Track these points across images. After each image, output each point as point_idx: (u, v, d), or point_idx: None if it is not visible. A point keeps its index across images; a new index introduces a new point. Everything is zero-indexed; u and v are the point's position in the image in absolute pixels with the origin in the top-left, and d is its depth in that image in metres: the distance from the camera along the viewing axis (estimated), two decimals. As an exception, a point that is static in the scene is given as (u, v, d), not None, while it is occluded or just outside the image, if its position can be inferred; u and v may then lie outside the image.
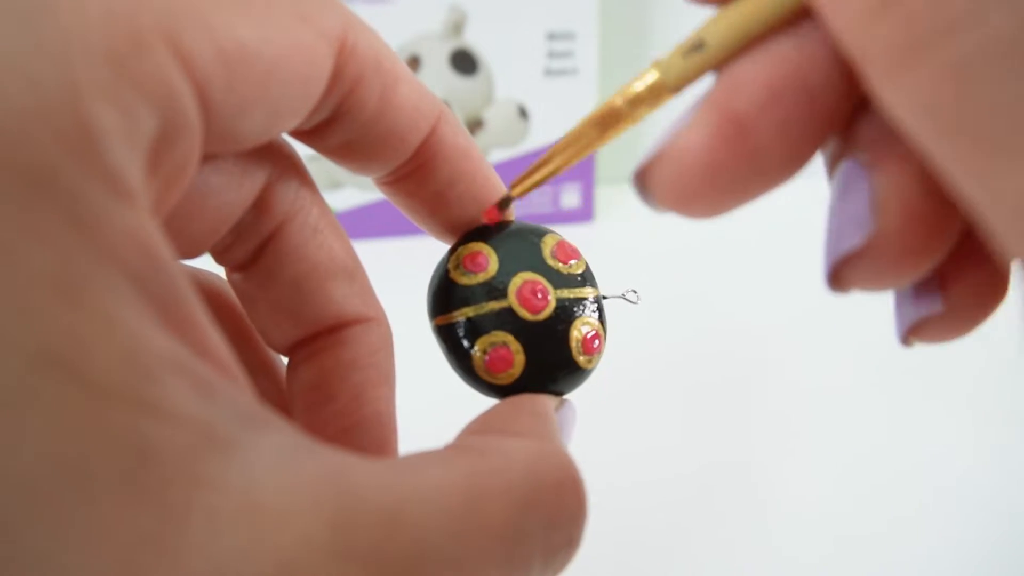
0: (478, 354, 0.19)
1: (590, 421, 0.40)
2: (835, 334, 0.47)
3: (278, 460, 0.11)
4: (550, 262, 0.20)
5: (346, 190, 0.58)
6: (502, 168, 0.60)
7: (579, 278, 0.20)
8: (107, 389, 0.10)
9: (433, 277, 0.20)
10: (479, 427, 0.16)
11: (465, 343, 0.19)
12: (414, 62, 0.56)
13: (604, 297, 0.20)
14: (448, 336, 0.19)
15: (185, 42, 0.12)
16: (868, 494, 0.36)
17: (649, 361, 0.46)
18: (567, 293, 0.19)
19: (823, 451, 0.39)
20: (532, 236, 0.20)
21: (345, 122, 0.17)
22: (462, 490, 0.12)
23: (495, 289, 0.19)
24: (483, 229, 0.20)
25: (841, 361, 0.45)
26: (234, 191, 0.17)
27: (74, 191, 0.10)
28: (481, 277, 0.19)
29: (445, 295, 0.19)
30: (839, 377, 0.43)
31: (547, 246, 0.20)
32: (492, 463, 0.13)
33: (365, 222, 0.59)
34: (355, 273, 0.19)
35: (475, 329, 0.19)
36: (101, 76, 0.11)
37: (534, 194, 0.61)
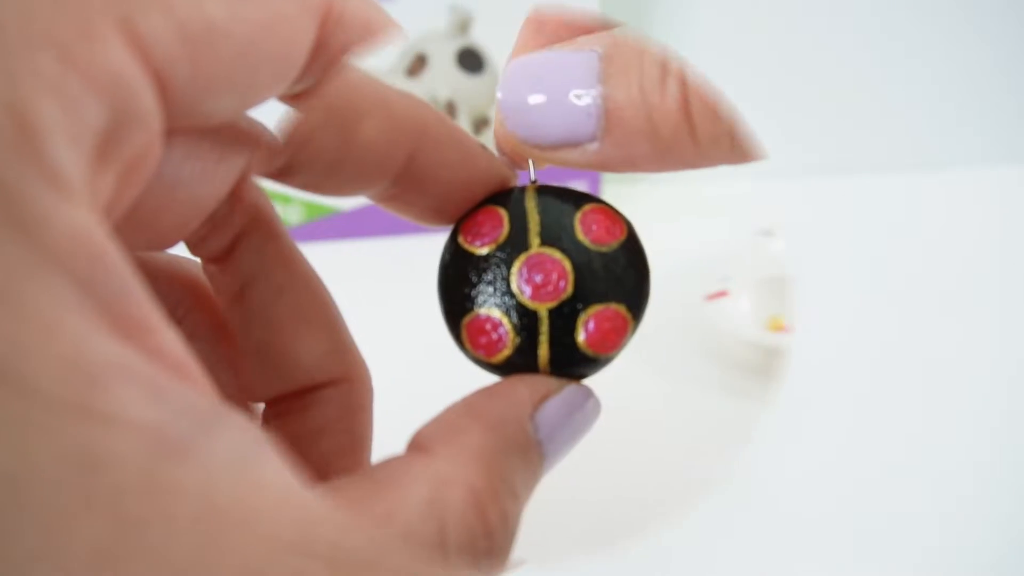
0: (464, 330, 0.17)
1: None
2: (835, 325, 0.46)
3: (236, 460, 0.10)
4: (579, 234, 0.17)
5: (353, 189, 0.58)
6: (509, 166, 0.60)
7: (609, 257, 0.17)
8: (50, 398, 0.09)
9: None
10: (416, 440, 0.15)
11: (452, 313, 0.17)
12: (420, 61, 0.56)
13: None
14: (444, 281, 0.18)
15: (141, 26, 0.11)
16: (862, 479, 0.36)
17: (649, 362, 0.46)
18: (587, 274, 0.17)
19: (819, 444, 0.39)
20: (564, 199, 0.18)
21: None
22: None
23: (501, 261, 0.17)
24: (507, 191, 0.18)
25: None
26: (207, 182, 0.16)
27: (11, 190, 0.10)
28: (486, 249, 0.17)
29: (450, 266, 0.18)
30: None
31: (579, 213, 0.18)
32: (386, 505, 0.13)
33: (370, 221, 0.59)
34: (329, 329, 0.18)
35: (466, 300, 0.17)
36: (43, 67, 0.10)
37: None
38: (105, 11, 0.11)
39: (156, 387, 0.10)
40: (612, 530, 0.35)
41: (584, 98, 0.17)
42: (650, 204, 0.66)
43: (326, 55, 0.15)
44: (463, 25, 0.56)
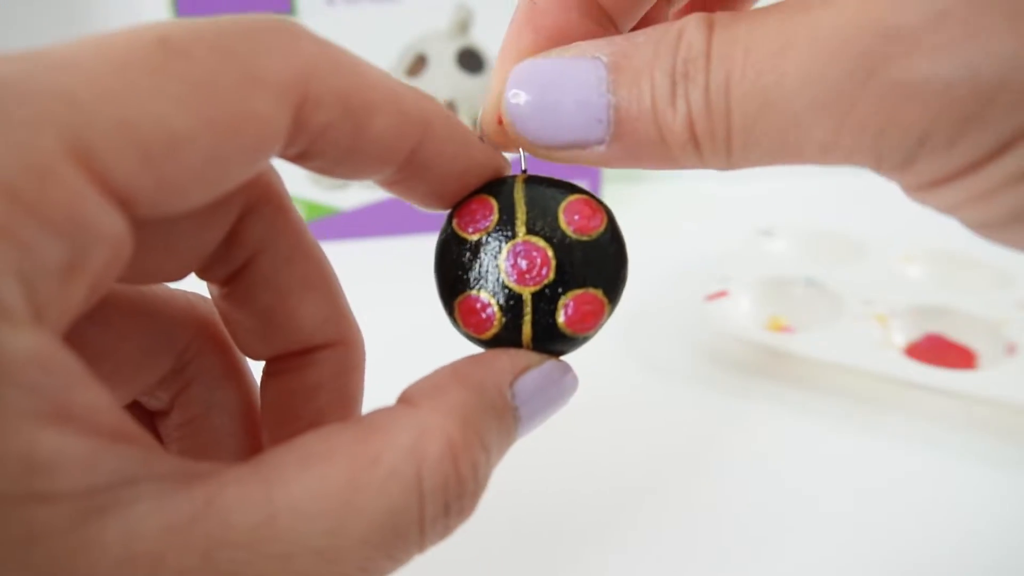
0: (457, 308, 0.19)
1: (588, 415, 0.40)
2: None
3: (153, 507, 0.13)
4: (562, 224, 0.19)
5: (351, 189, 0.58)
6: (509, 166, 0.60)
7: (589, 246, 0.19)
8: (2, 494, 0.11)
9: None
10: (405, 394, 0.17)
11: (448, 293, 0.19)
12: (421, 61, 0.56)
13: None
14: (441, 262, 0.19)
15: (98, 154, 0.12)
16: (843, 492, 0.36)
17: (649, 362, 0.46)
18: (568, 263, 0.18)
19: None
20: (551, 191, 0.19)
21: (316, 158, 0.16)
22: (339, 488, 0.14)
23: (490, 247, 0.19)
24: (498, 181, 0.19)
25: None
26: (203, 232, 0.18)
27: None
28: (477, 235, 0.19)
29: (445, 248, 0.19)
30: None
31: (563, 203, 0.19)
32: (375, 448, 0.15)
33: (370, 221, 0.59)
34: (329, 295, 0.20)
35: (460, 283, 0.19)
36: None
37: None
38: (58, 143, 0.12)
39: (89, 459, 0.12)
40: (611, 527, 0.35)
41: (593, 105, 0.17)
42: (650, 204, 0.66)
43: (307, 135, 0.15)
44: (463, 25, 0.56)
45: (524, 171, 0.20)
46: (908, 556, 0.33)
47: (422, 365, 0.20)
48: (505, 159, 0.20)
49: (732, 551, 0.33)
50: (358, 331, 0.20)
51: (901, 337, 0.44)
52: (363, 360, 0.20)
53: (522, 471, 0.37)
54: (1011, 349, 0.41)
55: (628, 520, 0.35)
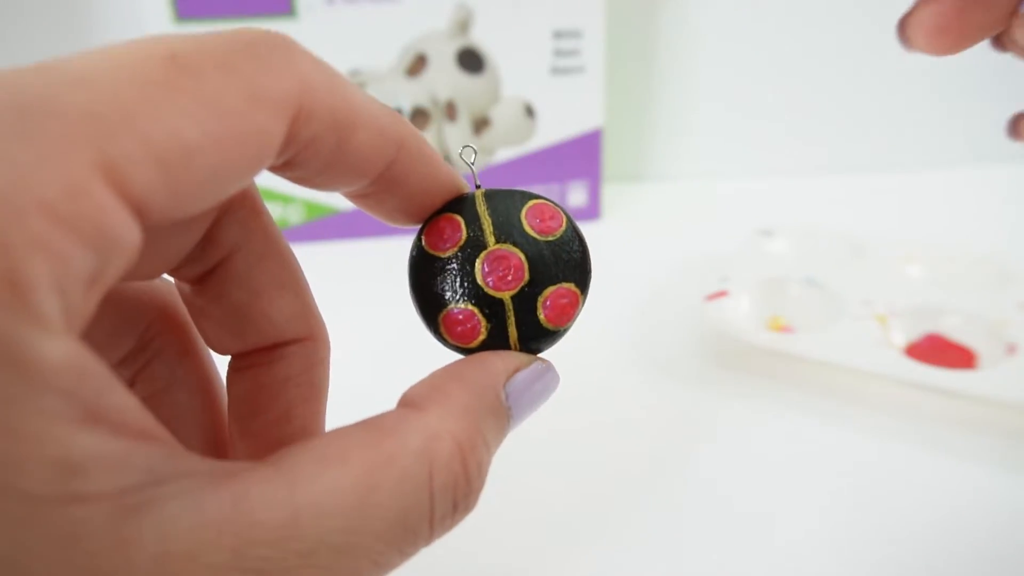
0: (441, 324, 0.20)
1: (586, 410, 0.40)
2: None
3: (185, 505, 0.13)
4: (526, 229, 0.20)
5: (353, 189, 0.58)
6: (509, 166, 0.60)
7: (555, 245, 0.20)
8: (41, 497, 0.12)
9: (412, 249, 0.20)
10: (407, 397, 0.18)
11: (426, 310, 0.20)
12: (421, 61, 0.56)
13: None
14: (416, 283, 0.20)
15: (121, 165, 0.13)
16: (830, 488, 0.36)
17: (649, 362, 0.46)
18: (539, 260, 0.20)
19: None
20: (509, 200, 0.20)
21: (298, 168, 0.17)
22: (356, 488, 0.15)
23: (464, 261, 0.20)
24: (459, 199, 0.21)
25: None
26: (184, 234, 0.18)
27: (7, 339, 0.12)
28: (450, 252, 0.20)
29: (420, 269, 0.20)
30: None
31: (523, 210, 0.20)
32: (388, 450, 0.16)
33: (369, 220, 0.59)
34: (298, 293, 0.20)
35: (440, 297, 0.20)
36: (34, 229, 0.12)
37: (539, 193, 0.61)
38: (87, 158, 0.13)
39: (121, 459, 0.13)
40: (611, 526, 0.35)
41: None
42: (651, 204, 0.66)
43: (295, 146, 0.16)
44: (463, 25, 0.56)
45: (478, 186, 0.21)
46: (908, 556, 0.33)
47: (420, 361, 0.20)
48: (464, 180, 0.21)
49: (732, 550, 0.33)
50: (324, 327, 0.21)
51: (901, 337, 0.44)
52: (328, 354, 0.21)
53: (522, 471, 0.37)
54: (1011, 349, 0.41)
55: (628, 518, 0.35)
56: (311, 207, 0.59)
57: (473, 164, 0.21)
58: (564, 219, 0.20)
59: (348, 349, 0.38)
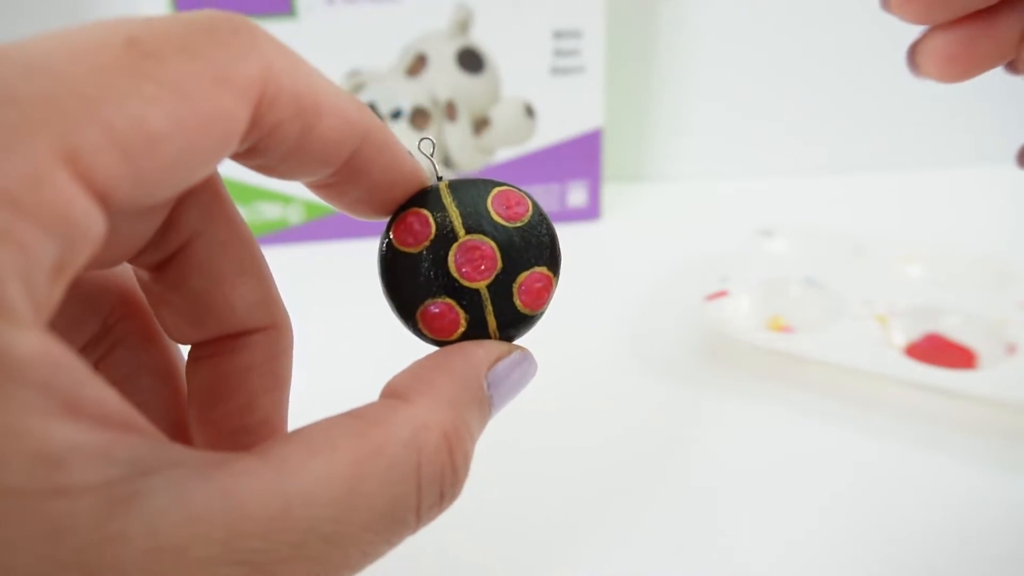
0: (419, 320, 0.20)
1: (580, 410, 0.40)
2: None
3: (174, 497, 0.13)
4: (494, 217, 0.20)
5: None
6: (510, 167, 0.60)
7: (524, 230, 0.20)
8: (24, 489, 0.12)
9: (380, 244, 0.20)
10: (392, 388, 0.18)
11: (403, 308, 0.20)
12: (421, 61, 0.56)
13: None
14: (390, 281, 0.20)
15: (84, 156, 0.13)
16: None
17: (649, 362, 0.46)
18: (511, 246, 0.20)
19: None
20: (474, 190, 0.20)
21: (261, 155, 0.17)
22: (344, 478, 0.15)
23: (437, 254, 0.20)
24: (422, 192, 0.20)
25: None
26: (145, 221, 0.18)
27: None
28: (421, 247, 0.20)
29: (392, 266, 0.20)
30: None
31: (489, 198, 0.20)
32: (376, 441, 0.16)
33: (367, 221, 0.59)
34: (261, 280, 0.20)
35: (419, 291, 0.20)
36: None
37: (540, 193, 0.61)
38: (48, 147, 0.12)
39: (104, 451, 0.13)
40: (610, 525, 0.35)
41: None
42: (651, 204, 0.66)
43: (258, 132, 0.16)
44: (463, 25, 0.56)
45: (440, 178, 0.21)
46: (908, 556, 0.33)
47: (418, 356, 0.20)
48: (426, 173, 0.21)
49: (731, 549, 0.33)
50: (287, 316, 0.21)
51: (901, 337, 0.44)
52: (292, 343, 0.21)
53: (522, 471, 0.37)
54: (1011, 349, 0.41)
55: (627, 518, 0.35)
56: (311, 207, 0.59)
57: (432, 156, 0.21)
58: (530, 204, 0.20)
59: (348, 349, 0.38)
